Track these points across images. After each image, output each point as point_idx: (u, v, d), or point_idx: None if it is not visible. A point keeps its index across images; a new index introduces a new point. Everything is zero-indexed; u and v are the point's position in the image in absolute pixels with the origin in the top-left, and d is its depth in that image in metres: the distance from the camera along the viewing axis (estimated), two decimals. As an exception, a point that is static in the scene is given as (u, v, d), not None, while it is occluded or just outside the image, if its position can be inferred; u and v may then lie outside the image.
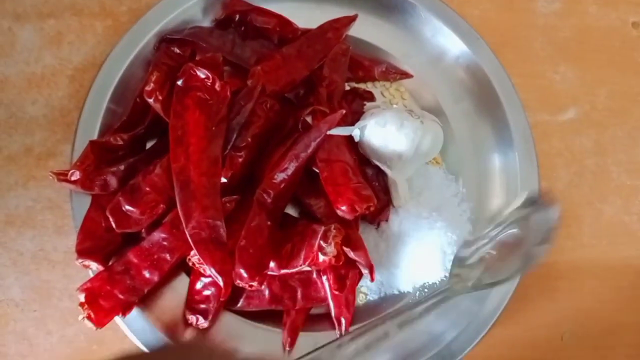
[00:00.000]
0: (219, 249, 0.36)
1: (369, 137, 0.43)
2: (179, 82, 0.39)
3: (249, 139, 0.41)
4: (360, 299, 0.44)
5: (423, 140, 0.42)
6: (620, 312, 0.48)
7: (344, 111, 0.41)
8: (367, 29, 0.47)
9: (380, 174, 0.45)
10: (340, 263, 0.37)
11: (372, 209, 0.39)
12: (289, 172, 0.40)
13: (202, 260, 0.38)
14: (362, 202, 0.39)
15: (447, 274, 0.44)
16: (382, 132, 0.42)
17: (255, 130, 0.41)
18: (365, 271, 0.38)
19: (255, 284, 0.36)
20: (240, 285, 0.36)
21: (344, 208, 0.39)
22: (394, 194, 0.44)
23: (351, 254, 0.38)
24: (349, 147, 0.43)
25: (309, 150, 0.40)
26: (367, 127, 0.43)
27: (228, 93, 0.40)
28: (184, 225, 0.36)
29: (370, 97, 0.47)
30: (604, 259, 0.49)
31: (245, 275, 0.36)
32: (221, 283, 0.36)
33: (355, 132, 0.43)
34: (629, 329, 0.48)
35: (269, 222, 0.39)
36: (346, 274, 0.40)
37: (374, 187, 0.44)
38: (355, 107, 0.46)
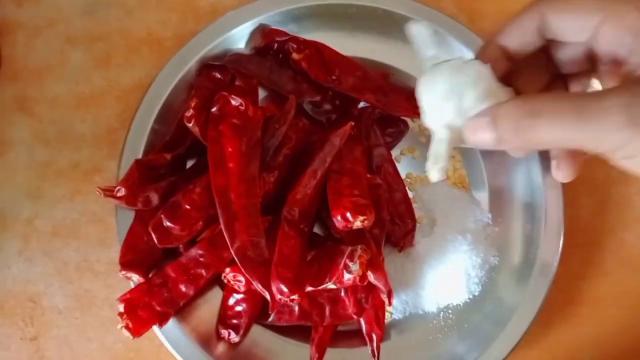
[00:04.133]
0: (262, 265, 0.38)
1: (440, 73, 0.36)
2: (214, 110, 0.41)
3: (281, 159, 0.43)
4: (386, 318, 0.46)
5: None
6: (641, 339, 0.49)
7: (353, 123, 0.42)
8: (399, 57, 0.49)
9: (407, 201, 0.46)
10: (365, 283, 0.39)
11: (366, 223, 0.39)
12: (309, 188, 0.41)
13: (237, 277, 0.40)
14: (357, 214, 0.39)
15: (471, 296, 0.45)
16: (457, 77, 0.36)
17: (286, 151, 0.43)
18: (383, 296, 0.39)
19: (296, 297, 0.37)
20: (282, 300, 0.38)
21: (338, 218, 0.39)
22: (432, 162, 0.37)
23: (371, 278, 0.39)
24: (364, 166, 0.43)
25: (326, 165, 0.42)
26: (449, 62, 0.37)
27: (261, 117, 0.42)
28: (229, 244, 0.38)
29: (403, 125, 0.49)
30: (626, 287, 0.50)
31: (285, 289, 0.37)
32: (268, 297, 0.38)
33: (431, 54, 0.38)
34: (650, 356, 0.49)
35: (299, 239, 0.41)
36: (366, 297, 0.42)
37: (400, 211, 0.46)
38: (389, 132, 0.48)
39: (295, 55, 0.45)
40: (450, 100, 0.35)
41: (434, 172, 0.36)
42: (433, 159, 0.36)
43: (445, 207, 0.47)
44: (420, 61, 0.39)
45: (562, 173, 0.35)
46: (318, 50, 0.46)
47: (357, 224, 0.39)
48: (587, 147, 0.28)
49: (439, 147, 0.36)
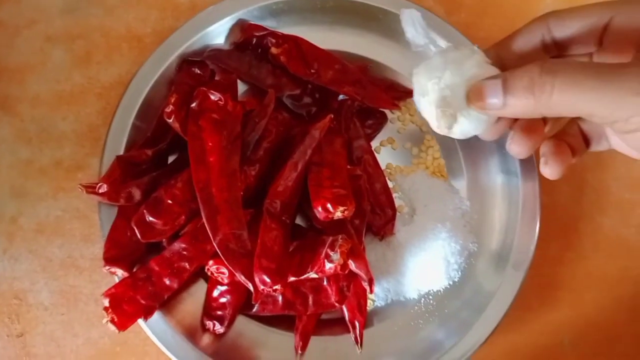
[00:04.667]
0: (245, 256, 0.39)
1: (434, 56, 0.36)
2: (193, 105, 0.42)
3: (261, 153, 0.44)
4: (368, 305, 0.46)
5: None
6: (618, 320, 0.50)
7: (332, 115, 0.43)
8: (378, 50, 0.50)
9: (387, 191, 0.47)
10: (346, 272, 0.39)
11: (347, 213, 0.40)
12: (290, 180, 0.42)
13: (220, 269, 0.41)
14: (337, 204, 0.40)
15: (451, 282, 0.46)
16: (451, 54, 0.35)
17: (267, 144, 0.44)
18: (365, 284, 0.40)
19: (279, 287, 0.38)
20: (265, 291, 0.38)
21: (319, 209, 0.40)
22: (438, 114, 0.35)
23: (352, 266, 0.40)
24: (344, 157, 0.44)
25: (306, 157, 0.42)
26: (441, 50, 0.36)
27: (241, 111, 0.42)
28: (211, 237, 0.39)
29: (382, 117, 0.49)
30: (603, 270, 0.51)
31: (268, 280, 0.38)
32: (251, 288, 0.39)
33: (422, 42, 0.37)
34: (627, 336, 0.50)
35: (281, 231, 0.41)
36: (348, 286, 0.42)
37: (380, 201, 0.47)
38: (368, 124, 0.49)
39: (274, 50, 0.46)
40: (448, 68, 0.34)
41: (443, 120, 0.34)
42: (438, 112, 0.34)
43: (425, 196, 0.48)
44: (413, 50, 0.38)
45: (549, 170, 0.35)
46: (297, 44, 0.47)
47: (338, 214, 0.40)
48: (598, 113, 0.28)
49: (442, 104, 0.34)
